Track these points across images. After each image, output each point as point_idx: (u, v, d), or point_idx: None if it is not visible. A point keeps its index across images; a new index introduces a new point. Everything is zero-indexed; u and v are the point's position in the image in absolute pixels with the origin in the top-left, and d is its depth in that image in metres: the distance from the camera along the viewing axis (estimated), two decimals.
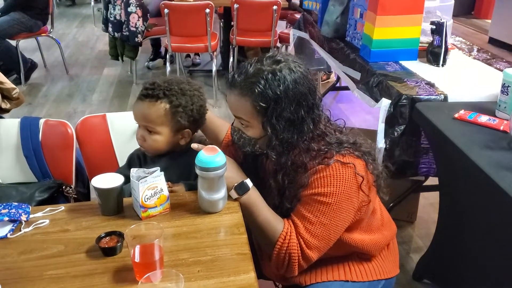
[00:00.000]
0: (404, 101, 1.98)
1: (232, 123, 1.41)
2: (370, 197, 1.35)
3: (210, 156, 1.24)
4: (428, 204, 2.79)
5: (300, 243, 1.29)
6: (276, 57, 1.29)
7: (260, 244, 1.44)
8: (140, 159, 1.59)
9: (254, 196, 1.34)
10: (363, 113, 4.02)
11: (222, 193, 1.30)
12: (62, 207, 1.37)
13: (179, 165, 1.51)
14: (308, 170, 1.29)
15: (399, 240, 1.63)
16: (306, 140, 1.30)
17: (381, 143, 2.01)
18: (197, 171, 1.26)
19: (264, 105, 1.26)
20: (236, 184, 1.33)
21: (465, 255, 1.86)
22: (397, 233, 1.58)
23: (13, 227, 1.28)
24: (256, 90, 1.25)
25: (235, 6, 4.20)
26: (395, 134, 2.00)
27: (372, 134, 2.04)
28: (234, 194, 1.34)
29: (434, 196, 2.52)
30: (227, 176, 1.31)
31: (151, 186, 1.28)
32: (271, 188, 1.38)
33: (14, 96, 2.08)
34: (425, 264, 2.20)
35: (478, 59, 2.49)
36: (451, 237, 1.97)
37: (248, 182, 1.34)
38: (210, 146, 1.29)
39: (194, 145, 1.34)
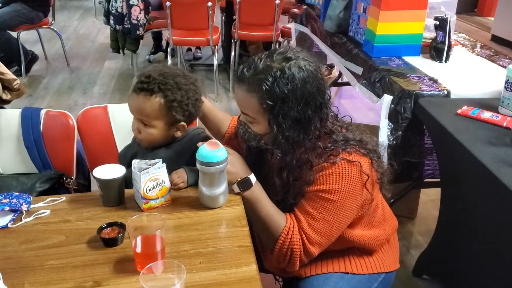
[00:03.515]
0: (407, 96, 1.98)
1: (239, 116, 1.40)
2: (373, 195, 1.34)
3: (212, 151, 1.23)
4: (429, 201, 2.79)
5: (303, 238, 1.29)
6: (287, 53, 1.27)
7: (262, 239, 1.44)
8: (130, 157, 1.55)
9: (257, 191, 1.34)
10: (365, 109, 4.00)
11: (222, 188, 1.29)
12: (63, 198, 1.36)
13: (172, 154, 1.50)
14: (314, 167, 1.28)
15: (399, 236, 1.63)
16: (313, 139, 1.29)
17: (384, 139, 2.00)
18: (198, 166, 1.25)
19: (271, 103, 1.24)
20: (239, 179, 1.33)
21: (465, 252, 1.86)
22: (397, 229, 1.58)
23: (14, 217, 1.27)
24: (264, 88, 1.24)
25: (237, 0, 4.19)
26: (398, 130, 1.99)
27: (374, 130, 2.03)
28: (236, 189, 1.34)
29: (435, 192, 2.51)
30: (231, 172, 1.31)
31: (153, 177, 1.28)
32: (275, 184, 1.37)
33: (15, 87, 2.08)
34: (425, 260, 2.20)
35: (481, 56, 2.49)
36: (451, 233, 1.97)
37: (252, 177, 1.34)
38: (212, 140, 1.28)
39: (200, 144, 1.33)
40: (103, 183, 1.31)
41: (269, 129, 1.29)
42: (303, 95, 1.24)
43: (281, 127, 1.26)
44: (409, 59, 2.36)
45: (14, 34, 4.62)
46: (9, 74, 2.05)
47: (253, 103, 1.27)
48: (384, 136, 2.02)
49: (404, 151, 2.02)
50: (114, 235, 1.17)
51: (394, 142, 2.00)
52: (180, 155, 1.49)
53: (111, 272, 1.09)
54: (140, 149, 1.53)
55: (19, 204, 1.29)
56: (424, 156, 2.05)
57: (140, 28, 4.40)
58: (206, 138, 1.54)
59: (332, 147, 1.28)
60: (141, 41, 4.67)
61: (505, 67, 2.20)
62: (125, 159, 1.55)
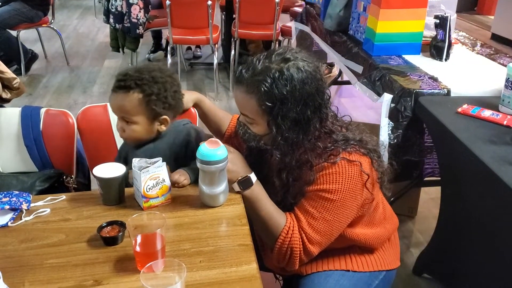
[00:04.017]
0: (407, 95, 1.97)
1: (238, 117, 1.40)
2: (374, 194, 1.34)
3: (212, 150, 1.23)
4: (429, 199, 2.79)
5: (302, 237, 1.29)
6: (285, 54, 1.27)
7: (262, 238, 1.44)
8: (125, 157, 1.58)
9: (257, 191, 1.33)
10: (365, 108, 4.00)
11: (223, 186, 1.29)
12: (63, 196, 1.36)
13: (160, 148, 1.51)
14: (314, 167, 1.28)
15: (399, 234, 1.63)
16: (312, 139, 1.29)
17: (384, 137, 2.00)
18: (198, 165, 1.25)
19: (269, 104, 1.24)
20: (240, 178, 1.32)
21: (465, 250, 1.86)
22: (397, 227, 1.58)
23: (14, 216, 1.27)
24: (262, 89, 1.23)
25: None
26: (399, 129, 1.99)
27: (374, 128, 2.03)
28: (236, 188, 1.33)
29: (435, 191, 2.51)
30: (232, 170, 1.31)
31: (153, 176, 1.27)
32: (274, 184, 1.37)
33: (14, 86, 2.07)
34: (425, 259, 2.20)
35: (482, 54, 2.49)
36: (452, 232, 1.97)
37: (252, 176, 1.33)
38: (212, 139, 1.27)
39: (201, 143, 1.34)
40: (103, 181, 1.30)
41: (268, 130, 1.29)
42: (302, 96, 1.24)
43: (280, 128, 1.26)
44: (409, 58, 2.36)
45: (13, 33, 4.62)
46: (9, 73, 2.04)
47: (251, 105, 1.27)
48: (384, 135, 2.02)
49: (404, 150, 2.02)
50: (114, 234, 1.17)
51: (395, 141, 2.00)
52: (167, 147, 1.50)
53: (112, 271, 1.09)
54: (129, 149, 1.54)
55: (19, 203, 1.29)
56: (424, 155, 2.05)
57: (140, 27, 4.40)
58: (191, 129, 1.55)
59: (332, 147, 1.28)
60: (141, 40, 4.66)
61: (505, 66, 2.20)
62: (120, 160, 1.56)
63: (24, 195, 1.34)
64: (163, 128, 1.49)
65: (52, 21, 5.05)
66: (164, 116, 1.48)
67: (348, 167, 1.26)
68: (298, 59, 1.26)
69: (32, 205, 1.32)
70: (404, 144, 2.02)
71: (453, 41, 2.38)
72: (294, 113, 1.24)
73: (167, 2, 4.06)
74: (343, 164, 1.26)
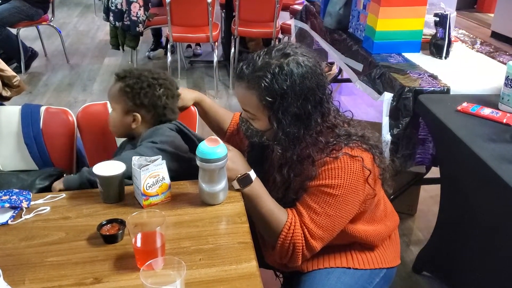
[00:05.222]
0: (407, 93, 1.97)
1: (241, 114, 1.40)
2: (376, 190, 1.34)
3: (211, 148, 1.23)
4: (429, 197, 2.79)
5: (305, 232, 1.29)
6: (285, 50, 1.27)
7: (264, 235, 1.44)
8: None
9: (257, 188, 1.33)
10: (365, 106, 4.01)
11: (222, 184, 1.29)
12: (63, 195, 1.36)
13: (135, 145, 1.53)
14: (316, 162, 1.28)
15: (399, 232, 1.63)
16: (314, 134, 1.29)
17: (386, 136, 2.00)
18: (198, 163, 1.25)
19: (270, 99, 1.24)
20: (239, 175, 1.33)
21: (465, 248, 1.86)
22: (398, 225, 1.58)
23: (14, 214, 1.28)
24: (263, 85, 1.24)
25: None
26: (400, 127, 1.99)
27: (374, 126, 2.03)
28: (236, 185, 1.33)
29: (435, 189, 2.51)
30: (231, 168, 1.31)
31: (153, 174, 1.28)
32: (275, 181, 1.37)
33: (14, 84, 2.07)
34: (425, 257, 2.20)
35: (481, 52, 2.48)
36: (451, 229, 1.97)
37: (252, 174, 1.33)
38: (212, 137, 1.28)
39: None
40: (103, 179, 1.31)
41: (269, 125, 1.30)
42: (302, 91, 1.24)
43: (281, 123, 1.26)
44: (409, 56, 2.36)
45: (13, 31, 4.61)
46: (9, 71, 2.04)
47: (253, 100, 1.27)
48: (386, 133, 2.02)
49: (403, 146, 2.02)
50: (114, 232, 1.17)
51: (395, 138, 2.00)
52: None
53: (111, 269, 1.09)
54: (118, 151, 1.59)
55: (19, 201, 1.29)
56: (417, 147, 2.05)
57: (140, 25, 4.39)
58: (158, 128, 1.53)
59: (334, 142, 1.28)
60: (141, 37, 4.66)
61: (505, 64, 2.20)
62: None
63: (24, 193, 1.34)
64: (134, 125, 1.54)
65: (52, 19, 5.05)
66: (136, 114, 1.52)
67: (350, 163, 1.26)
68: (298, 54, 1.27)
69: (32, 203, 1.32)
70: (403, 141, 2.02)
71: (452, 39, 2.38)
72: (295, 108, 1.25)
73: (167, 0, 4.06)
74: (345, 159, 1.26)
